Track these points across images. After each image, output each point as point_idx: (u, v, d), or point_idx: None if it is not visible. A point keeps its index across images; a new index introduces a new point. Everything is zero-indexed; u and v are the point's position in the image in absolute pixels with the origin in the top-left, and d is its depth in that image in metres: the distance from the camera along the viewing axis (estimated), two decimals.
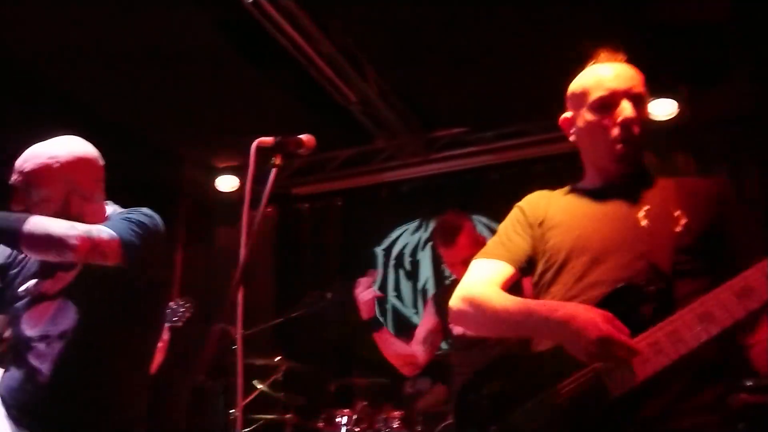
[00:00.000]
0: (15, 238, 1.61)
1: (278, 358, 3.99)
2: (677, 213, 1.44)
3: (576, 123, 1.60)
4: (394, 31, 3.94)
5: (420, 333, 2.87)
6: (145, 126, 4.84)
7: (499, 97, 4.51)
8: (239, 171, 5.89)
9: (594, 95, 1.53)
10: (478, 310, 1.52)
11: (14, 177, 1.81)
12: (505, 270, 1.59)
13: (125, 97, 4.50)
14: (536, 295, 1.56)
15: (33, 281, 1.86)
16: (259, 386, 3.94)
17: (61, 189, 1.81)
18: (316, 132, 1.66)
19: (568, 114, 1.64)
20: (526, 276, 1.62)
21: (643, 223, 1.45)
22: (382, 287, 5.52)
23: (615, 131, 1.50)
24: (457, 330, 2.74)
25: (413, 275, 5.44)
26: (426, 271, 5.39)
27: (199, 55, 4.09)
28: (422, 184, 5.40)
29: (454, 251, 2.69)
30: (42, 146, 1.85)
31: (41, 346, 1.79)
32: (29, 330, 1.81)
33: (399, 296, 5.45)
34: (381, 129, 4.83)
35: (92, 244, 1.64)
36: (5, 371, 1.88)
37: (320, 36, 3.83)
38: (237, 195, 5.96)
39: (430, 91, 4.65)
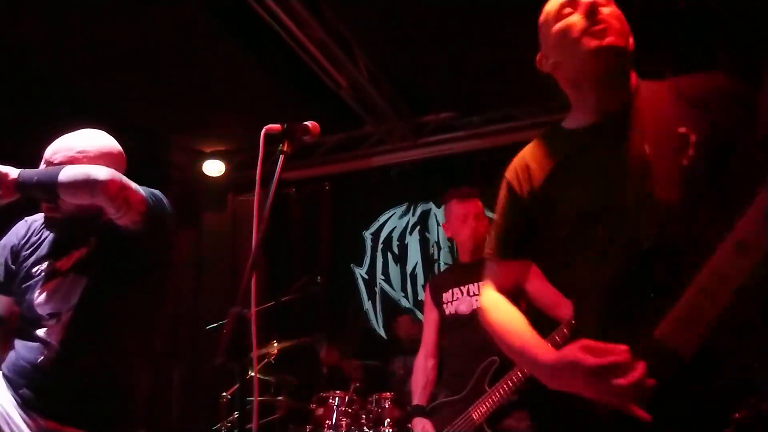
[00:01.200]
0: (53, 183, 1.68)
1: (275, 343, 4.03)
2: (682, 130, 1.29)
3: (547, 49, 1.48)
4: (384, 16, 3.94)
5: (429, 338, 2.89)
6: (131, 110, 4.80)
7: (487, 82, 4.54)
8: (226, 156, 5.88)
9: (554, 8, 1.43)
10: (489, 332, 1.50)
11: (43, 167, 1.86)
12: (510, 269, 1.55)
13: (111, 81, 4.46)
14: (554, 273, 1.53)
15: (46, 262, 1.90)
16: (254, 370, 3.97)
17: None
18: (306, 117, 1.67)
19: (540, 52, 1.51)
20: (529, 257, 1.55)
21: (652, 158, 1.30)
22: (371, 271, 5.58)
23: (582, 21, 1.36)
24: (449, 309, 2.79)
25: (401, 259, 5.49)
26: (414, 256, 5.45)
27: (188, 38, 4.07)
28: (411, 168, 5.43)
29: (468, 205, 2.77)
30: (71, 139, 1.92)
31: (52, 322, 1.83)
32: (41, 308, 1.84)
33: (387, 280, 5.51)
34: (370, 114, 4.85)
35: (122, 186, 1.72)
36: (10, 352, 1.90)
37: (310, 20, 3.83)
38: (224, 180, 5.95)
39: (418, 76, 4.67)
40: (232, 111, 4.99)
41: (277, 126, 1.59)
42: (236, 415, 4.13)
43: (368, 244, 5.64)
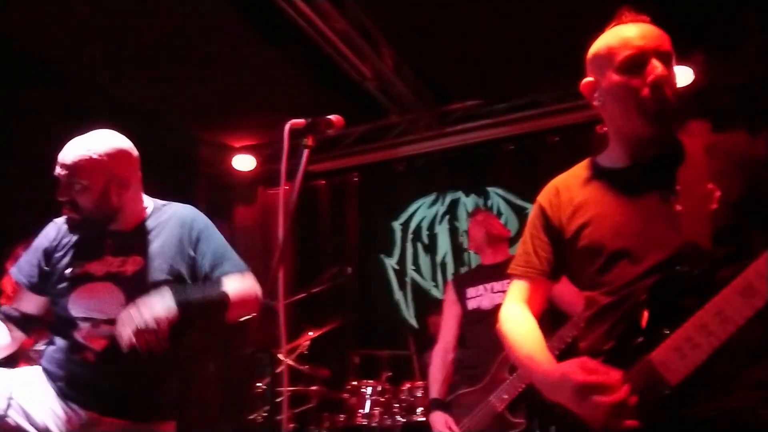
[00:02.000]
0: (225, 307, 1.85)
1: (309, 333, 4.08)
2: (710, 186, 1.37)
3: (600, 87, 1.50)
4: (407, 5, 3.93)
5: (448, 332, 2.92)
6: (160, 108, 4.88)
7: (513, 69, 4.51)
8: (255, 150, 5.94)
9: (621, 54, 1.42)
10: (502, 343, 1.57)
11: (58, 170, 1.90)
12: (536, 288, 1.60)
13: (140, 79, 4.54)
14: (579, 300, 1.54)
15: (78, 265, 1.94)
16: (285, 359, 4.02)
17: (100, 179, 1.91)
18: (331, 109, 1.69)
19: (589, 78, 1.53)
20: (557, 280, 1.61)
21: (678, 208, 1.38)
22: (401, 261, 5.59)
23: (646, 91, 1.39)
24: (471, 304, 2.80)
25: (431, 249, 5.49)
26: (444, 245, 5.44)
27: (213, 34, 4.11)
28: (438, 157, 5.42)
29: (480, 214, 2.90)
30: (82, 140, 1.95)
31: (86, 326, 1.89)
32: (75, 310, 1.90)
33: (418, 270, 5.52)
34: (395, 104, 4.85)
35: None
36: (48, 346, 1.96)
37: (334, 12, 3.84)
38: (253, 174, 6.02)
39: (443, 64, 4.65)
40: (260, 105, 5.04)
41: (301, 120, 1.62)
42: (270, 405, 4.20)
43: (398, 234, 5.65)
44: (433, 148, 5.35)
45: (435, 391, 2.76)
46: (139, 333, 1.66)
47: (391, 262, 5.63)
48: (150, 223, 2.01)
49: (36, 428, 1.81)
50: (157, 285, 1.85)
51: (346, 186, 5.79)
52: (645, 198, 1.43)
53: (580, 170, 1.59)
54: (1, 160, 3.99)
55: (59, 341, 1.94)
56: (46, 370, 1.93)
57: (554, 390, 1.36)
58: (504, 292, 1.80)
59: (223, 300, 1.85)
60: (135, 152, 2.03)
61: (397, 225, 5.66)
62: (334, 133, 1.68)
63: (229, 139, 5.92)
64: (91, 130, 1.99)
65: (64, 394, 1.86)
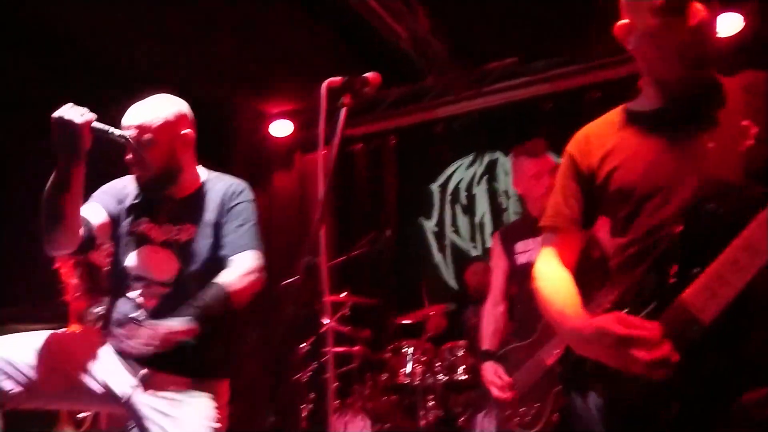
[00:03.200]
0: (228, 302, 1.92)
1: (344, 293, 4.14)
2: (746, 123, 1.34)
3: (636, 30, 1.44)
4: None
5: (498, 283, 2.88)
6: (196, 75, 4.92)
7: (550, 25, 4.39)
8: (292, 116, 5.96)
9: None
10: (536, 299, 1.57)
11: (127, 132, 1.96)
12: (568, 239, 1.58)
13: (176, 47, 4.57)
14: (611, 248, 1.51)
15: (139, 225, 2.02)
16: (327, 321, 4.10)
17: (167, 136, 1.98)
18: (367, 71, 1.66)
19: (624, 21, 1.47)
20: (589, 229, 1.58)
21: (710, 145, 1.36)
22: (440, 224, 5.59)
23: (686, 35, 1.36)
24: (521, 259, 2.77)
25: (470, 210, 5.47)
26: (482, 206, 5.42)
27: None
28: (475, 118, 5.34)
29: (541, 162, 2.73)
30: (146, 102, 2.02)
31: (139, 285, 1.97)
32: (130, 269, 1.98)
33: (456, 231, 5.51)
34: (431, 65, 4.78)
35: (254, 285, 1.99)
36: (111, 300, 2.05)
37: None
38: (290, 140, 6.05)
39: (478, 23, 4.55)
40: (295, 70, 5.03)
41: (338, 79, 1.61)
42: (315, 365, 4.32)
43: (436, 196, 5.64)
44: (470, 109, 5.27)
45: (486, 343, 2.75)
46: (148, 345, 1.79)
47: (429, 225, 5.64)
48: (203, 192, 2.07)
49: (97, 384, 1.89)
50: (206, 254, 1.95)
51: (384, 149, 5.77)
52: (677, 137, 1.41)
53: (611, 116, 1.56)
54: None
55: (115, 299, 2.01)
56: (104, 329, 2.01)
57: (587, 345, 1.35)
58: None
59: (225, 298, 1.91)
60: (191, 115, 2.09)
61: (435, 187, 5.64)
62: (371, 91, 1.66)
63: (265, 105, 5.95)
64: (131, 99, 2.03)
65: (121, 351, 1.92)
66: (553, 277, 1.55)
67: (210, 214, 2.02)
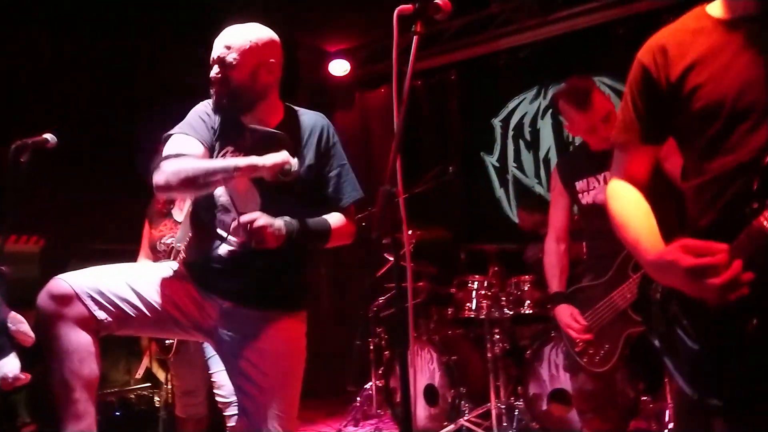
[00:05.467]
0: (327, 240, 2.03)
1: (409, 231, 4.16)
2: None
3: None
4: None
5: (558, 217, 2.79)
6: (257, 13, 4.89)
7: None
8: (350, 54, 5.90)
9: None
10: (611, 222, 1.51)
11: (213, 52, 1.98)
12: (641, 157, 1.50)
13: None
14: (694, 164, 1.42)
15: (225, 152, 2.01)
16: (391, 258, 4.15)
17: (253, 59, 1.98)
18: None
19: None
20: (662, 144, 1.50)
21: None
22: (502, 159, 5.51)
23: None
24: (585, 199, 2.68)
25: (534, 145, 5.35)
26: (547, 140, 5.28)
27: None
28: (540, 48, 5.13)
29: (591, 114, 2.56)
30: (239, 26, 2.02)
31: (225, 217, 1.98)
32: (216, 197, 2.00)
33: (520, 167, 5.42)
34: None
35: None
36: (196, 231, 2.09)
37: None
38: (350, 78, 6.01)
39: None
40: (352, 8, 4.94)
41: (409, 6, 1.58)
42: (382, 300, 4.42)
43: (498, 131, 5.53)
44: (536, 38, 5.07)
45: (555, 285, 2.69)
46: (257, 231, 1.81)
47: (491, 160, 5.56)
48: (285, 125, 2.05)
49: (183, 315, 1.96)
50: (290, 187, 1.92)
51: (445, 84, 5.67)
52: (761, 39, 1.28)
53: (691, 22, 1.40)
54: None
55: (199, 231, 2.06)
56: (186, 261, 2.08)
57: (663, 275, 1.34)
58: None
59: (327, 235, 2.02)
60: (279, 45, 2.08)
61: (497, 122, 5.53)
62: (442, 18, 1.62)
63: (324, 43, 5.90)
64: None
65: (204, 284, 1.99)
66: (625, 198, 1.48)
67: (295, 147, 1.97)
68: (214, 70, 1.98)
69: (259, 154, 1.85)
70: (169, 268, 2.03)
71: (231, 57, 1.96)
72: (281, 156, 1.81)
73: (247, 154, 1.93)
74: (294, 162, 1.84)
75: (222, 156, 1.99)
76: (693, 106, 1.35)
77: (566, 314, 2.54)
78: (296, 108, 2.15)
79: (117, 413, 3.88)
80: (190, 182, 1.82)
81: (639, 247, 1.39)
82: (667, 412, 3.34)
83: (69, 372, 1.76)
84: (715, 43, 1.34)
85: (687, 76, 1.35)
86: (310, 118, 2.11)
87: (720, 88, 1.31)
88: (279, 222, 1.86)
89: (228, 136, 2.02)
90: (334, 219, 2.05)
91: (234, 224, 1.92)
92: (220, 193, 1.99)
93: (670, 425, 3.31)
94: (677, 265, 1.24)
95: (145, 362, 3.65)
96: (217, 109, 2.02)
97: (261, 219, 1.82)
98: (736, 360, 1.27)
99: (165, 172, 1.84)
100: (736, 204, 1.29)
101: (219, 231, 1.99)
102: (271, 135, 1.93)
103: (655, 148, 1.50)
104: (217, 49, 1.98)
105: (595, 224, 2.63)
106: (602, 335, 2.47)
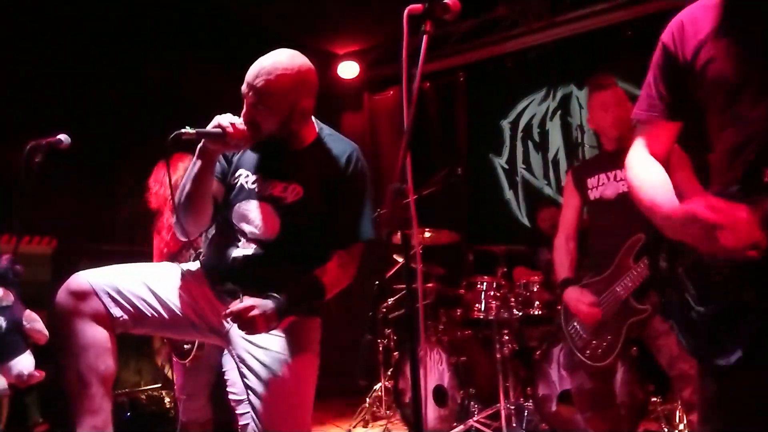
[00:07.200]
0: (321, 297, 1.97)
1: (426, 232, 4.16)
2: None
3: None
4: None
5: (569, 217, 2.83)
6: (265, 16, 4.92)
7: None
8: (359, 56, 5.93)
9: None
10: (629, 186, 1.53)
11: (245, 88, 1.92)
12: (661, 131, 1.53)
13: None
14: (715, 137, 1.45)
15: (248, 179, 2.02)
16: (400, 259, 4.17)
17: (285, 107, 1.93)
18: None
19: None
20: (683, 120, 1.53)
21: None
22: (510, 160, 5.51)
23: None
24: (593, 194, 2.72)
25: (543, 146, 5.35)
26: (556, 141, 5.29)
27: None
28: (549, 49, 5.15)
29: (610, 92, 2.65)
30: (273, 64, 1.92)
31: (241, 238, 1.99)
32: (236, 220, 2.00)
33: (529, 168, 5.42)
34: None
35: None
36: (213, 249, 2.10)
37: None
38: (358, 80, 6.04)
39: None
40: (360, 11, 4.97)
41: (419, 6, 1.59)
42: (390, 301, 4.42)
43: (507, 133, 5.54)
44: (544, 40, 5.09)
45: (564, 272, 2.74)
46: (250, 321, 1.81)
47: (500, 161, 5.57)
48: (315, 150, 2.03)
49: (198, 317, 1.98)
50: (311, 214, 1.95)
51: (453, 86, 5.68)
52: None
53: (706, 2, 1.44)
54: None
55: (218, 233, 2.07)
56: (203, 268, 2.06)
57: (678, 230, 1.34)
58: None
59: (321, 294, 1.96)
60: (316, 78, 2.01)
61: (505, 124, 5.54)
62: (451, 18, 1.63)
63: (332, 46, 5.92)
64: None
65: (219, 287, 1.99)
66: (644, 167, 1.52)
67: (320, 175, 1.96)
68: (245, 116, 1.92)
69: (282, 179, 1.96)
70: (187, 269, 2.04)
71: (261, 106, 1.89)
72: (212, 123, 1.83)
73: (269, 179, 1.99)
74: (224, 118, 1.83)
75: (239, 182, 2.02)
76: (705, 80, 1.39)
77: (575, 293, 2.58)
78: (329, 132, 2.10)
79: (128, 414, 3.90)
80: (185, 201, 1.90)
81: (655, 202, 1.41)
82: (677, 413, 3.34)
83: (85, 367, 1.78)
84: (729, 18, 1.38)
85: (700, 51, 1.39)
86: (340, 146, 2.06)
87: (728, 61, 1.35)
88: (270, 306, 1.83)
89: (253, 160, 2.04)
90: (333, 266, 1.97)
91: (227, 310, 1.85)
92: (237, 214, 2.00)
93: (681, 426, 3.30)
94: (697, 217, 1.25)
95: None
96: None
97: (255, 310, 1.79)
98: (741, 322, 1.27)
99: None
100: (754, 171, 1.30)
101: (237, 235, 1.99)
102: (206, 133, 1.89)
103: (676, 125, 1.53)
104: (247, 89, 1.91)
105: (599, 220, 2.69)
106: (604, 327, 2.49)
